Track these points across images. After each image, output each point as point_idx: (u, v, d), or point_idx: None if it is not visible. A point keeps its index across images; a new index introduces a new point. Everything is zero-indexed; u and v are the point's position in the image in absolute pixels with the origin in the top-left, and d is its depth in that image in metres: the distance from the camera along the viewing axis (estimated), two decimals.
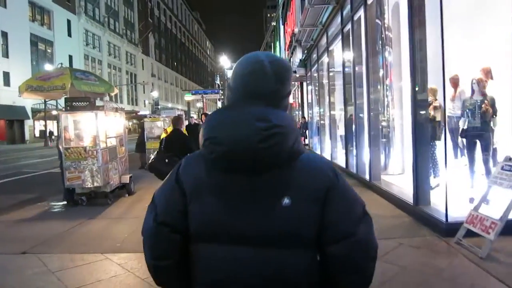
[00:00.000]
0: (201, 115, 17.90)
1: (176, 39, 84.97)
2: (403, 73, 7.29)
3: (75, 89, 7.17)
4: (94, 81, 7.47)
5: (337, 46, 10.93)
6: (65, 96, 7.36)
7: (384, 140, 7.95)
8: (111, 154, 7.00)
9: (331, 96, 12.66)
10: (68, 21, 43.50)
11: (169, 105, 68.89)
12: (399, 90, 7.66)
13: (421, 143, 5.31)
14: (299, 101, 23.00)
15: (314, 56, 15.15)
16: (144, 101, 61.76)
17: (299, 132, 1.10)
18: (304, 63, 17.41)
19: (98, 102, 7.95)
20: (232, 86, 1.11)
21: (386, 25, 7.82)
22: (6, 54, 33.42)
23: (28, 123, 36.17)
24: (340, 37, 9.92)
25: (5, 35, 33.54)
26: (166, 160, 5.69)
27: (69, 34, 43.69)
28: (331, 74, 12.47)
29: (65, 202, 6.94)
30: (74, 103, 6.61)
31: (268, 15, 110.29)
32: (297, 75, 17.97)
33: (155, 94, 59.45)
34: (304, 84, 20.62)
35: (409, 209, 5.41)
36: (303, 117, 18.25)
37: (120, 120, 7.87)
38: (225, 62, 44.75)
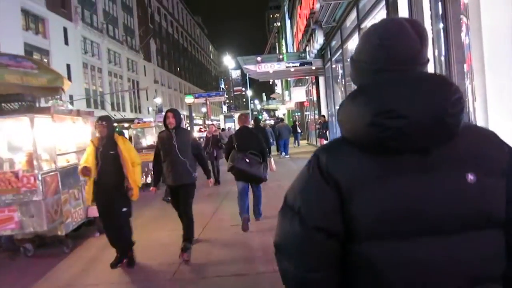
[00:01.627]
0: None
1: (178, 44, 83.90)
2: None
3: None
4: (30, 69, 5.09)
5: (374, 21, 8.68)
6: None
7: None
8: (67, 178, 4.81)
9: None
10: (65, 29, 42.02)
11: None
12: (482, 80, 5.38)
13: None
14: (315, 99, 20.63)
15: (335, 43, 12.94)
16: (148, 108, 60.12)
17: None
18: (321, 53, 15.17)
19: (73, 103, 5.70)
20: (363, 58, 0.99)
21: None
22: None
23: None
24: (380, 7, 7.67)
25: None
26: (247, 160, 5.42)
27: (66, 42, 42.18)
28: None
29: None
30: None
31: (271, 16, 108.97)
32: (313, 68, 15.79)
33: (158, 100, 57.62)
34: (321, 79, 18.37)
35: None
36: (323, 115, 16.03)
37: (85, 128, 5.68)
38: (229, 62, 42.59)
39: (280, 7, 60.80)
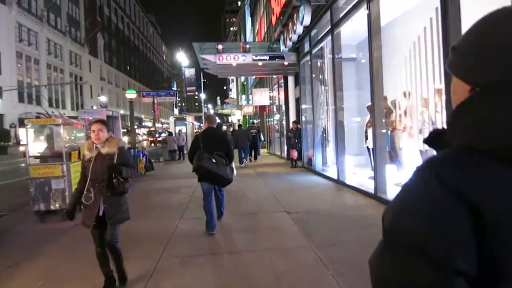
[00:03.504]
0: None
1: (129, 41, 79.73)
2: None
3: None
4: None
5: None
6: None
7: None
8: None
9: (349, 91, 8.59)
10: None
11: (121, 111, 62.80)
12: None
13: None
14: (281, 103, 18.50)
15: (316, 32, 10.93)
16: (92, 106, 55.48)
17: None
18: (296, 47, 13.08)
19: None
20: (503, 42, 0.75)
21: None
22: None
23: None
24: None
25: None
26: (214, 161, 5.45)
27: None
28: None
29: None
30: None
31: (227, 20, 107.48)
32: (285, 63, 13.64)
33: (103, 98, 53.32)
34: (290, 79, 16.32)
35: None
36: (296, 122, 13.82)
37: None
38: (183, 59, 39.67)
39: (237, 11, 59.20)
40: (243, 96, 47.97)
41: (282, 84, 17.51)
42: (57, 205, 6.44)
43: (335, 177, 9.59)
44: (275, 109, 20.77)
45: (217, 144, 5.72)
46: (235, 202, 7.64)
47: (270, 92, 20.76)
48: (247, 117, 38.52)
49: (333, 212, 6.45)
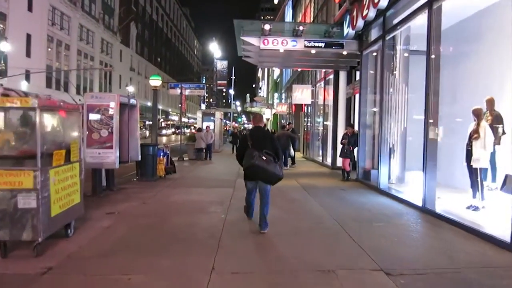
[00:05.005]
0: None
1: (162, 33, 78.82)
2: None
3: None
4: None
5: None
6: None
7: None
8: None
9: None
10: None
11: (148, 103, 61.83)
12: None
13: None
14: (327, 101, 15.95)
15: (402, 11, 8.28)
16: None
17: None
18: (358, 34, 10.46)
19: None
20: None
21: None
22: None
23: None
24: None
25: None
26: (264, 158, 5.56)
27: (30, 9, 36.40)
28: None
29: None
30: None
31: (262, 18, 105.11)
32: (344, 53, 11.04)
33: (131, 89, 52.10)
34: (342, 75, 13.75)
35: None
36: (351, 125, 11.33)
37: None
38: (215, 50, 37.44)
39: (273, 9, 56.70)
40: (275, 94, 45.47)
41: (331, 81, 14.95)
42: (24, 234, 4.22)
43: (417, 202, 7.06)
44: (317, 109, 18.12)
45: (266, 143, 5.81)
46: (286, 239, 5.25)
47: (312, 89, 18.15)
48: (278, 116, 36.04)
49: (467, 277, 3.92)
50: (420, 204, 6.94)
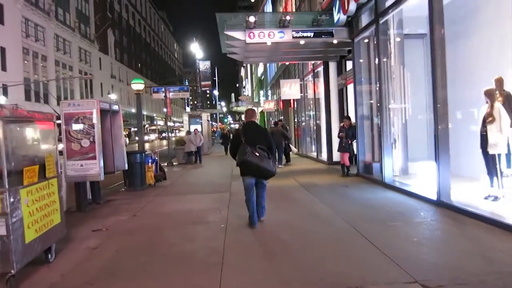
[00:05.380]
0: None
1: (140, 38, 77.64)
2: None
3: None
4: None
5: None
6: None
7: None
8: None
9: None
10: (0, 5, 35.07)
11: (133, 109, 60.71)
12: None
13: None
14: (317, 95, 15.42)
15: (388, 0, 7.82)
16: None
17: None
18: (348, 21, 9.95)
19: None
20: None
21: None
22: None
23: None
24: None
25: None
26: (257, 154, 5.51)
27: (1, 21, 35.22)
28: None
29: None
30: None
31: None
32: (334, 41, 10.52)
33: (113, 96, 50.95)
34: (331, 65, 13.25)
35: None
36: (347, 117, 10.76)
37: None
38: (197, 50, 36.63)
39: (251, 7, 56.16)
40: (261, 92, 44.89)
41: (320, 73, 14.45)
42: None
43: (430, 195, 6.57)
44: (306, 104, 17.59)
45: (259, 138, 5.74)
46: (298, 249, 4.69)
47: (301, 83, 17.62)
48: (264, 113, 35.50)
49: None
50: (434, 197, 6.45)
